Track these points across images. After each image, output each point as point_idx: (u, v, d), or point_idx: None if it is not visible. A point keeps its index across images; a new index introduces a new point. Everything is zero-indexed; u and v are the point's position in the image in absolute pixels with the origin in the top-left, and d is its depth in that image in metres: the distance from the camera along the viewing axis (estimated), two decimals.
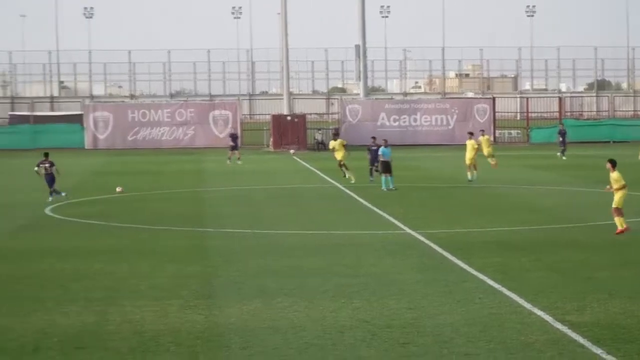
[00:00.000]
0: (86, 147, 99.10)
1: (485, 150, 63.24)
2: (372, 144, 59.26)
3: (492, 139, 69.39)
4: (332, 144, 62.66)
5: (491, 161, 63.65)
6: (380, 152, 55.36)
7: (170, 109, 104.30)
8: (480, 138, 64.20)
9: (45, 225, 41.81)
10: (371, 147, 59.01)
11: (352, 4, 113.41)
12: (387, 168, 53.91)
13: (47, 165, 49.76)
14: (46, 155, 51.13)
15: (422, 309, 24.53)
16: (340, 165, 60.77)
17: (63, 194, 48.97)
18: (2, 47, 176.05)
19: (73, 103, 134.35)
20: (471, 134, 61.95)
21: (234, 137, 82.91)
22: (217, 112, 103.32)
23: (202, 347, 21.03)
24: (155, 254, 33.73)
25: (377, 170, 56.77)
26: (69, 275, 29.60)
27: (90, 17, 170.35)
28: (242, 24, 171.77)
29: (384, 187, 53.36)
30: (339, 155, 60.91)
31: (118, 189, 53.00)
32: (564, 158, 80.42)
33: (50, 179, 49.54)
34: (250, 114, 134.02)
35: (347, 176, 59.81)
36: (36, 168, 50.41)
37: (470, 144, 59.54)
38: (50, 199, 48.93)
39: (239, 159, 78.72)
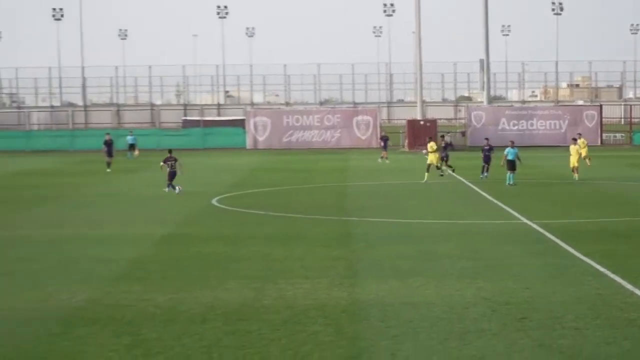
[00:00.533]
0: (247, 148, 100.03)
1: (583, 151, 62.37)
2: (486, 144, 58.31)
3: (587, 141, 67.88)
4: (430, 145, 60.13)
5: (587, 162, 63.03)
6: (505, 152, 54.72)
7: (319, 114, 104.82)
8: (579, 141, 63.40)
9: (211, 214, 42.27)
10: (484, 148, 58.25)
11: (477, 23, 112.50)
12: (512, 166, 53.57)
13: (172, 162, 50.35)
14: (170, 151, 51.85)
15: (536, 289, 24.34)
16: (437, 167, 60.32)
17: (177, 190, 49.33)
18: (177, 62, 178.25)
19: (236, 109, 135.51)
20: (575, 140, 61.36)
21: (384, 139, 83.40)
22: (359, 117, 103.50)
23: (346, 320, 21.11)
24: (306, 239, 33.91)
25: (486, 169, 57.41)
26: (231, 257, 29.90)
27: (252, 36, 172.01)
28: (382, 42, 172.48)
29: (508, 183, 52.96)
30: (433, 158, 59.30)
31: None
32: None
33: (172, 175, 50.13)
34: (388, 119, 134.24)
35: (425, 180, 57.02)
36: (162, 164, 51.02)
37: (574, 148, 59.02)
38: (166, 190, 49.61)
39: (386, 158, 78.94)
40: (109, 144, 68.96)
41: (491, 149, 57.30)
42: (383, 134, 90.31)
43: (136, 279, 26.25)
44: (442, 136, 72.68)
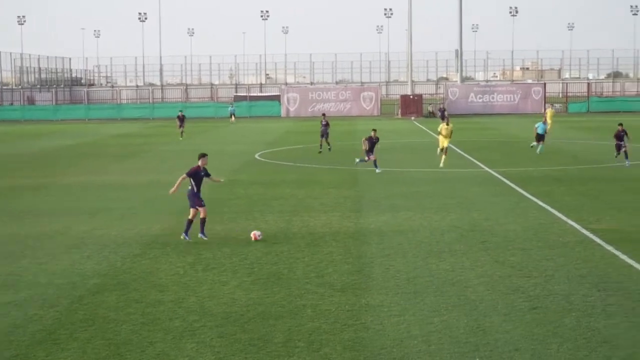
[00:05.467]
0: (282, 116, 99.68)
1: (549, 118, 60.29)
2: (620, 130, 40.02)
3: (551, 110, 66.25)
4: (443, 128, 40.59)
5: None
6: (536, 126, 46.51)
7: (335, 91, 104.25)
8: (547, 111, 63.05)
9: (254, 165, 42.29)
10: (619, 132, 39.99)
11: (454, 23, 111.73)
12: (540, 138, 45.52)
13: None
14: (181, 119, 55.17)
15: (494, 220, 24.25)
16: (444, 151, 39.84)
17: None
18: (231, 52, 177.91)
19: (274, 87, 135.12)
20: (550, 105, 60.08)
21: (442, 111, 79.90)
22: (365, 93, 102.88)
23: (353, 242, 21.09)
24: (323, 183, 33.85)
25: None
26: (268, 197, 29.86)
27: (286, 33, 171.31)
28: (382, 37, 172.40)
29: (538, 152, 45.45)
30: (445, 142, 39.88)
31: None
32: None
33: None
34: (386, 94, 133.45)
35: (442, 165, 39.06)
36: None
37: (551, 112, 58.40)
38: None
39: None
40: (181, 118, 65.53)
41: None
42: (441, 106, 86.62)
43: None
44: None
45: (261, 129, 75.38)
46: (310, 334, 13.53)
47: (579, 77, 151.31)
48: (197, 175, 21.71)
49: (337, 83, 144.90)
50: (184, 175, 21.66)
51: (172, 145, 57.14)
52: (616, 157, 40.40)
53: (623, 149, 39.74)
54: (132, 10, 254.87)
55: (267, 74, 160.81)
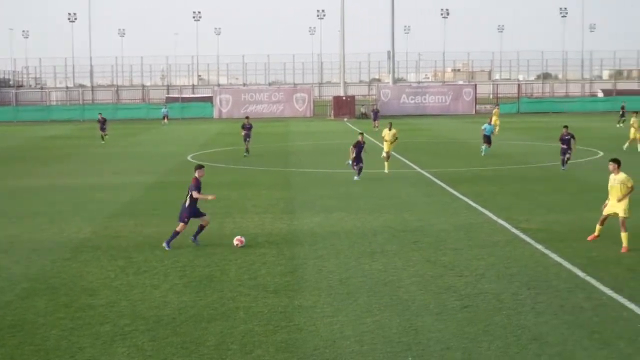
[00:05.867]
0: (215, 117, 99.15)
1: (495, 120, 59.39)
2: (565, 133, 37.71)
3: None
4: (386, 133, 39.58)
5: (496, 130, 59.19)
6: (483, 127, 46.03)
7: (268, 92, 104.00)
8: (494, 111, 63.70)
9: (186, 167, 41.85)
10: (564, 136, 37.71)
11: (386, 24, 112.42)
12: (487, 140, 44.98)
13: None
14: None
15: (426, 220, 24.44)
16: (387, 156, 38.43)
17: None
18: (162, 53, 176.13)
19: (206, 89, 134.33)
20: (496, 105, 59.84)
21: (375, 112, 78.51)
22: (298, 94, 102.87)
23: (285, 244, 21.06)
24: (256, 184, 33.76)
25: None
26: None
27: (219, 34, 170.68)
28: (315, 38, 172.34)
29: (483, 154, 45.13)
30: (388, 146, 38.81)
31: None
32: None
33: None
34: (319, 96, 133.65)
35: (386, 171, 37.33)
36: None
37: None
38: None
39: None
40: (101, 121, 62.93)
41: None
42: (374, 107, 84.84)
43: (130, 216, 26.00)
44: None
45: (194, 131, 74.90)
46: (243, 336, 13.48)
47: (510, 79, 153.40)
48: (198, 186, 21.12)
49: (270, 84, 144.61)
50: (195, 192, 20.84)
51: (102, 147, 56.46)
52: (563, 166, 37.55)
53: (567, 155, 37.30)
54: (62, 11, 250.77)
55: (200, 75, 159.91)
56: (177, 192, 31.70)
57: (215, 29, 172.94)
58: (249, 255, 19.64)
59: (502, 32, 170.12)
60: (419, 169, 38.65)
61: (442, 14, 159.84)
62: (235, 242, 20.87)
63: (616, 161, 20.52)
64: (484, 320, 14.18)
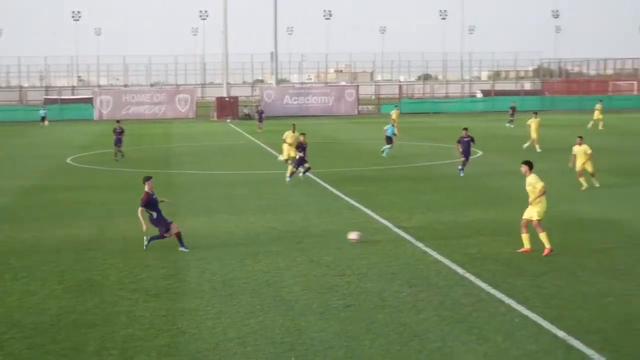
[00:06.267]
0: (95, 119, 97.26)
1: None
2: (465, 135, 36.42)
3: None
4: (289, 135, 38.50)
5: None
6: (385, 128, 45.77)
7: (150, 93, 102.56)
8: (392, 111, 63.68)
9: (65, 170, 41.12)
10: (463, 139, 36.32)
11: (269, 25, 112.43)
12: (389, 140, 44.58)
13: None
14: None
15: (309, 220, 24.57)
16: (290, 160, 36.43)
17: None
18: (41, 54, 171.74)
19: (86, 90, 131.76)
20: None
21: (260, 113, 76.13)
22: (180, 95, 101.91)
23: (167, 247, 20.80)
24: (137, 187, 33.08)
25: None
26: (80, 202, 29.16)
27: (99, 34, 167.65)
28: (198, 39, 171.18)
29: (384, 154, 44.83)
30: (292, 151, 36.62)
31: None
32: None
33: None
34: (202, 97, 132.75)
35: (288, 176, 34.11)
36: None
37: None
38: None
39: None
40: None
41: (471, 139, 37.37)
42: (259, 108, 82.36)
43: (5, 221, 25.31)
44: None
45: (73, 133, 73.33)
46: (124, 341, 13.27)
47: (391, 80, 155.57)
48: (151, 201, 20.39)
49: (151, 85, 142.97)
50: (140, 208, 20.14)
51: None
52: (460, 168, 35.88)
53: (467, 158, 36.00)
54: None
55: (80, 76, 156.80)
56: (56, 195, 31.09)
57: (96, 29, 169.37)
58: (131, 259, 19.37)
59: (383, 33, 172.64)
60: (301, 170, 38.75)
61: (324, 16, 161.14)
62: (353, 236, 20.87)
63: (527, 163, 19.88)
64: (366, 318, 14.34)
